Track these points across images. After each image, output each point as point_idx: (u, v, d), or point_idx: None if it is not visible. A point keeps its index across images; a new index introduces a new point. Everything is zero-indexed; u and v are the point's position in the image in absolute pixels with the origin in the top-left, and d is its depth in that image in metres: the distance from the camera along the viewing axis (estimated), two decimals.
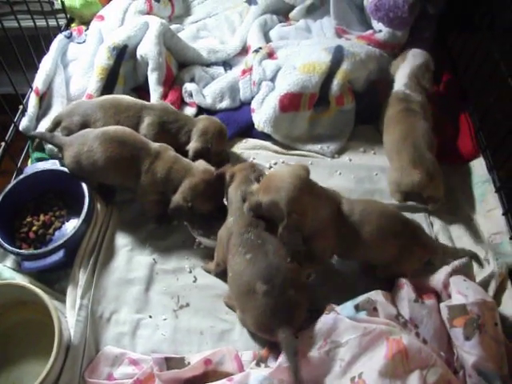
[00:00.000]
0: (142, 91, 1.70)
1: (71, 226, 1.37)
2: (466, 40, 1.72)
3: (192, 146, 1.42)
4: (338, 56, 1.54)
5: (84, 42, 1.83)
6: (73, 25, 1.97)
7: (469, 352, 1.05)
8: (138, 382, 1.12)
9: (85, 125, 1.43)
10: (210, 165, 1.33)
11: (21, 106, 1.61)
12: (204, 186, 1.27)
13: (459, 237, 1.38)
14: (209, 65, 1.79)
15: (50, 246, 1.26)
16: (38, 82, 1.63)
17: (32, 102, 1.60)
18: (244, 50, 1.84)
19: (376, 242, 1.18)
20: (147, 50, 1.61)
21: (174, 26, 1.86)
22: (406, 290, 1.15)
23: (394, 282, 1.20)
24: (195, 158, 1.39)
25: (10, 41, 1.54)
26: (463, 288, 1.12)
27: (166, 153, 1.31)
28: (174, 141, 1.43)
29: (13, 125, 1.56)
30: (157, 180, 1.29)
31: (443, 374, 1.03)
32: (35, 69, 1.69)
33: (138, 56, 1.65)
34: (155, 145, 1.33)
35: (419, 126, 1.43)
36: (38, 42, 1.77)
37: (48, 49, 1.76)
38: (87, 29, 1.87)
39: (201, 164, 1.32)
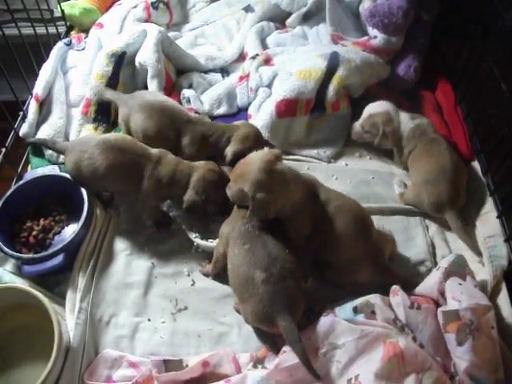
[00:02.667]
0: None
1: (71, 230, 1.38)
2: (461, 46, 1.74)
3: (231, 149, 1.40)
4: (334, 62, 1.56)
5: (83, 49, 1.85)
6: (72, 32, 1.99)
7: (461, 357, 1.06)
8: None
9: (127, 118, 1.44)
10: None
11: (21, 113, 1.63)
12: (212, 174, 1.30)
13: (454, 240, 1.40)
14: (206, 71, 1.81)
15: (50, 251, 1.27)
16: (38, 88, 1.65)
17: (32, 108, 1.61)
18: (241, 57, 1.86)
19: (341, 239, 1.20)
20: (146, 57, 1.63)
21: (172, 34, 1.88)
22: (401, 297, 1.16)
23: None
24: (234, 161, 1.36)
25: (10, 48, 1.55)
26: (458, 293, 1.12)
27: (167, 157, 1.33)
28: (215, 150, 1.43)
29: (13, 131, 1.58)
30: (162, 184, 1.30)
31: (438, 377, 1.04)
32: (35, 76, 1.71)
33: (137, 63, 1.67)
34: (155, 150, 1.34)
35: (449, 155, 1.44)
36: (38, 50, 1.79)
37: (48, 56, 1.78)
38: (86, 36, 1.89)
39: (201, 161, 1.34)
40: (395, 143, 1.50)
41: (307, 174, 1.28)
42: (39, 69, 1.72)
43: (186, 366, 1.15)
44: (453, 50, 1.78)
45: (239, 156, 1.37)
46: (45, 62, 1.75)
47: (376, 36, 1.70)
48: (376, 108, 1.51)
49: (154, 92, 1.59)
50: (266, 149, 1.29)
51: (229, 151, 1.40)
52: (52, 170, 1.44)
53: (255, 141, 1.42)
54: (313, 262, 1.30)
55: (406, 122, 1.50)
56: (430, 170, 1.42)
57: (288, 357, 1.09)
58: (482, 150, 1.54)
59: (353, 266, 1.22)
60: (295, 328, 1.08)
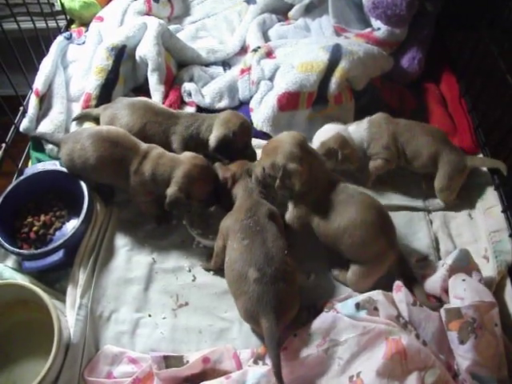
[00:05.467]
0: (141, 92, 1.70)
1: (71, 226, 1.37)
2: (465, 38, 1.71)
3: (214, 135, 1.36)
4: (336, 54, 1.53)
5: (84, 43, 1.83)
6: (73, 26, 1.98)
7: (463, 356, 1.05)
8: (138, 380, 1.13)
9: (112, 119, 1.43)
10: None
11: (21, 108, 1.62)
12: (197, 170, 1.26)
13: (459, 234, 1.38)
14: (208, 64, 1.79)
15: (50, 246, 1.27)
16: (38, 83, 1.63)
17: (32, 103, 1.60)
18: (243, 50, 1.84)
19: (349, 230, 1.19)
20: (146, 50, 1.61)
21: (173, 27, 1.87)
22: (404, 293, 1.15)
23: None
24: (218, 149, 1.35)
25: (9, 43, 1.54)
26: (461, 290, 1.11)
27: (152, 151, 1.30)
28: (200, 142, 1.39)
29: (13, 126, 1.57)
30: (146, 179, 1.28)
31: (441, 375, 1.03)
32: (35, 70, 1.70)
33: (137, 57, 1.65)
34: (144, 145, 1.32)
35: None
36: (38, 44, 1.77)
37: (48, 50, 1.76)
38: (87, 30, 1.88)
39: (188, 153, 1.31)
40: (357, 160, 1.43)
41: None
42: (39, 63, 1.71)
43: (187, 362, 1.14)
44: (457, 42, 1.75)
45: (224, 142, 1.35)
46: (45, 56, 1.74)
47: (379, 28, 1.67)
48: (325, 133, 1.42)
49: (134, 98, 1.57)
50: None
51: (212, 138, 1.37)
52: (53, 165, 1.43)
53: (239, 124, 1.36)
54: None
55: (356, 129, 1.44)
56: (437, 134, 1.40)
57: (289, 354, 1.09)
58: (486, 144, 1.51)
59: (377, 258, 1.20)
60: (277, 333, 1.07)
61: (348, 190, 1.24)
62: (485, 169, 1.48)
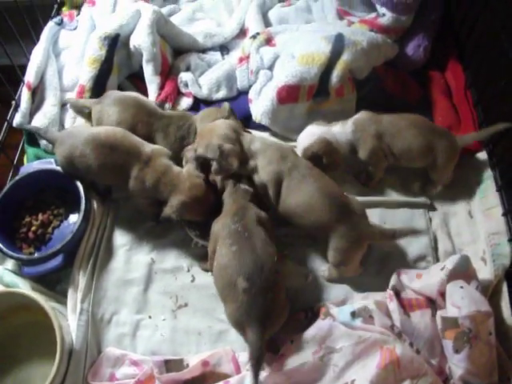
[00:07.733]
0: (136, 80, 1.65)
1: (69, 223, 1.38)
2: (474, 23, 1.63)
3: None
4: (339, 46, 1.46)
5: (75, 28, 1.76)
6: (64, 8, 1.87)
7: (457, 365, 1.07)
8: (139, 382, 1.16)
9: (100, 117, 1.40)
10: (198, 172, 1.29)
11: (13, 102, 1.57)
12: (193, 203, 1.25)
13: (458, 234, 1.38)
14: (205, 50, 1.73)
15: (49, 251, 1.26)
16: (30, 75, 1.57)
17: (24, 97, 1.54)
18: (242, 33, 1.76)
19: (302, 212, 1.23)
20: (140, 40, 1.54)
21: (169, 7, 1.79)
22: (396, 303, 1.17)
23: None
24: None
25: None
26: (458, 298, 1.11)
27: (157, 160, 1.28)
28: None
29: (6, 123, 1.52)
30: (145, 188, 1.27)
31: (433, 383, 1.06)
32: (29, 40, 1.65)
33: (132, 46, 1.59)
34: (148, 149, 1.29)
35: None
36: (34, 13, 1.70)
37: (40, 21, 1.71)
38: (78, 13, 1.79)
39: (189, 177, 1.27)
40: (342, 161, 1.38)
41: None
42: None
43: (187, 365, 1.17)
44: (466, 28, 1.67)
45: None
46: (36, 24, 1.68)
47: (384, 14, 1.58)
48: (307, 139, 1.36)
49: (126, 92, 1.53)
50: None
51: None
52: (48, 163, 1.40)
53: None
54: None
55: (342, 131, 1.37)
56: (421, 124, 1.37)
57: (286, 361, 1.12)
58: (491, 141, 1.47)
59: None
60: (261, 346, 1.07)
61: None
62: (488, 168, 1.45)
